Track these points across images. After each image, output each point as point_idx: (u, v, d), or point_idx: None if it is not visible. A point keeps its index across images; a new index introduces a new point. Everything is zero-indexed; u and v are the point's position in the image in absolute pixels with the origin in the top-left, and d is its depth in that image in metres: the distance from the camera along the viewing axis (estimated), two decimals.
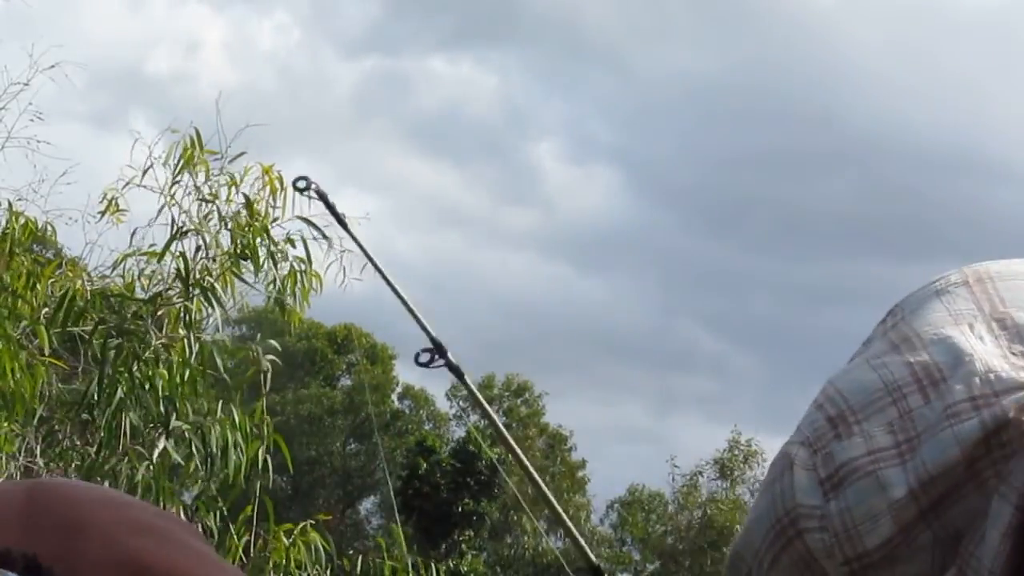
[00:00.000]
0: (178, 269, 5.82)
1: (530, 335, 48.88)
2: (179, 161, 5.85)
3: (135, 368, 5.65)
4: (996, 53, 57.49)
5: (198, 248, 5.88)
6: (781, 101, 53.59)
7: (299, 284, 5.95)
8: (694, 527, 32.10)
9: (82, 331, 5.83)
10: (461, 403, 36.52)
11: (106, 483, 5.48)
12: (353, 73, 58.66)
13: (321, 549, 5.94)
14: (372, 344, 36.69)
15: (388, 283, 3.00)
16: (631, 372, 51.71)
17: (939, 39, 59.11)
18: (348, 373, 37.10)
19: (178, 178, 5.86)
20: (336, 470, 35.71)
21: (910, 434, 0.77)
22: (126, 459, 5.62)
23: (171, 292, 5.95)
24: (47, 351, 5.65)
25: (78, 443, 5.95)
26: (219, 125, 5.90)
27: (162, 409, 5.66)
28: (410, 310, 2.88)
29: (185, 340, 5.77)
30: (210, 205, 5.89)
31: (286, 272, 5.93)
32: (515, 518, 33.55)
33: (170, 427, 5.68)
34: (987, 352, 0.79)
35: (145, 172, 5.91)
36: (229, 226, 5.87)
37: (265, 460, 5.85)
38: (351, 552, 7.66)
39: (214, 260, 5.87)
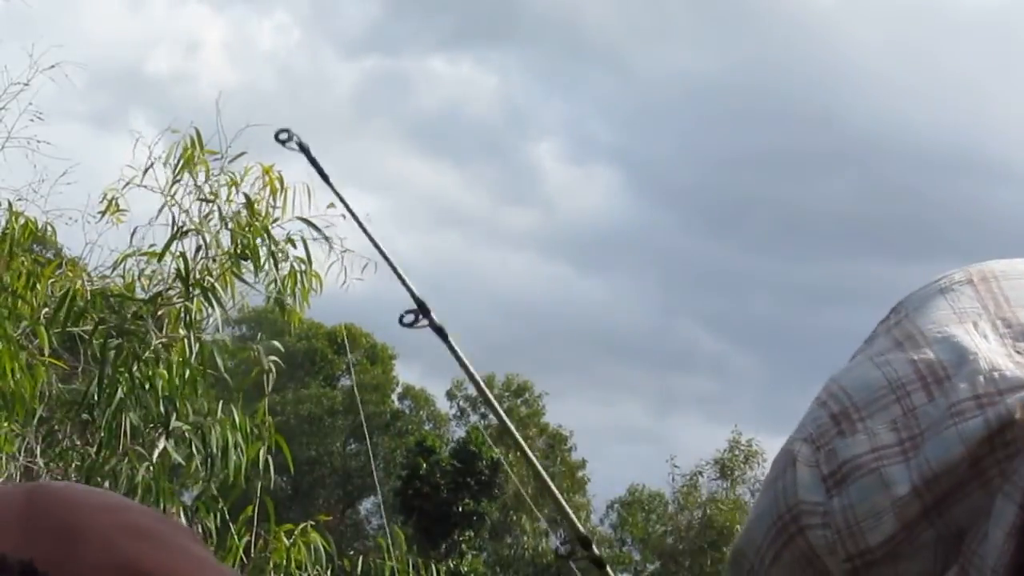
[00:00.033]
0: (178, 269, 5.82)
1: (530, 335, 48.90)
2: (179, 161, 5.85)
3: (135, 368, 5.64)
4: (996, 53, 57.54)
5: (198, 248, 5.88)
6: (781, 101, 53.64)
7: (299, 284, 5.95)
8: (694, 527, 32.09)
9: (82, 331, 5.83)
10: (461, 403, 36.58)
11: (106, 483, 5.48)
12: (353, 73, 58.70)
13: (322, 549, 5.93)
14: (372, 344, 36.70)
15: (372, 240, 2.98)
16: (631, 372, 51.76)
17: (939, 39, 59.16)
18: (348, 373, 37.10)
19: (179, 177, 5.86)
20: (336, 470, 35.71)
21: (914, 432, 0.77)
22: (126, 459, 5.62)
23: (171, 292, 5.95)
24: (47, 351, 5.65)
25: (78, 443, 5.95)
26: (219, 125, 5.89)
27: (162, 409, 5.66)
28: (394, 269, 2.87)
29: (185, 340, 5.77)
30: (211, 205, 5.89)
31: (286, 272, 5.93)
32: (515, 518, 33.56)
33: (170, 427, 5.68)
34: (991, 351, 0.79)
35: (146, 172, 5.92)
36: (229, 226, 5.87)
37: (266, 460, 5.85)
38: (351, 552, 7.66)
39: (214, 260, 5.87)
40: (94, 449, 5.76)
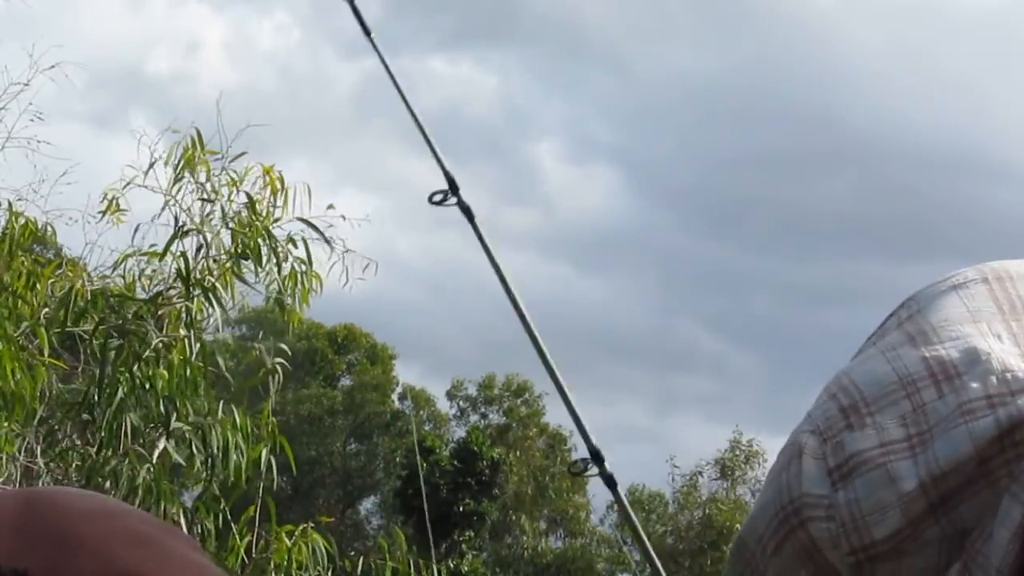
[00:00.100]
0: (179, 269, 5.82)
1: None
2: (180, 161, 5.85)
3: (135, 368, 5.64)
4: (996, 53, 57.56)
5: (199, 248, 5.88)
6: (781, 101, 53.66)
7: (299, 285, 5.95)
8: (694, 527, 32.10)
9: (82, 331, 5.83)
10: (461, 403, 36.58)
11: (107, 484, 5.48)
12: (353, 73, 58.62)
13: (323, 550, 5.93)
14: (372, 344, 36.72)
15: (406, 104, 2.88)
16: (631, 372, 51.75)
17: (939, 39, 59.19)
18: (348, 373, 37.12)
19: (180, 177, 5.86)
20: (336, 470, 35.73)
21: (922, 428, 0.77)
22: (126, 460, 5.61)
23: (172, 292, 5.95)
24: (47, 351, 5.65)
25: (78, 443, 5.94)
26: (219, 125, 5.89)
27: (163, 409, 5.66)
28: (428, 142, 2.80)
29: (186, 340, 5.77)
30: (212, 205, 5.89)
31: (287, 273, 5.93)
32: (515, 518, 33.58)
33: (171, 428, 5.67)
34: (1004, 351, 0.79)
35: (147, 172, 5.92)
36: (231, 226, 5.87)
37: (268, 461, 5.85)
38: (352, 552, 7.66)
39: (215, 260, 5.87)
40: (94, 449, 5.75)
